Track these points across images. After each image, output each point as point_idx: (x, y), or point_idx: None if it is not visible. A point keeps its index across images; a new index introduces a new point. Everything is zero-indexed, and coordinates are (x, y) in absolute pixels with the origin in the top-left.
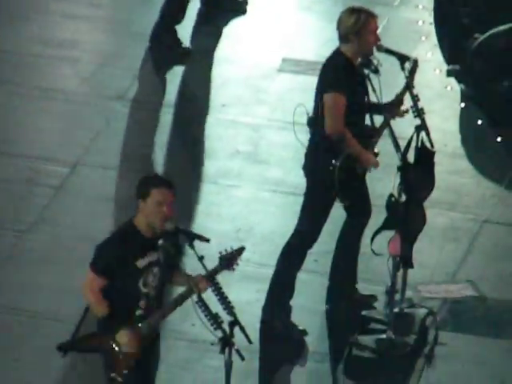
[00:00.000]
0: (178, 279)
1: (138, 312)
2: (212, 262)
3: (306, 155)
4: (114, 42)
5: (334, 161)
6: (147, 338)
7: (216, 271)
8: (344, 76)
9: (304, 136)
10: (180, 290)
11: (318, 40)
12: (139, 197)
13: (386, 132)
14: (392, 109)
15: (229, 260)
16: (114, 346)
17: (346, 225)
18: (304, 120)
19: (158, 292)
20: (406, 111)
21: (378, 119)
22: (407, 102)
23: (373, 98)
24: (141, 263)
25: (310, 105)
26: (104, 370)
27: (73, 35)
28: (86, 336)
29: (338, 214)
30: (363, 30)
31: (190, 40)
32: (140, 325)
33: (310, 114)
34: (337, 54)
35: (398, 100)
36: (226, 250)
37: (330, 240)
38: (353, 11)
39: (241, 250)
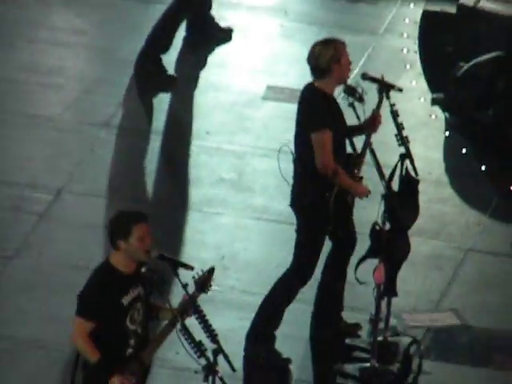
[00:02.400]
0: (163, 313)
1: (129, 351)
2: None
3: (294, 192)
4: (99, 68)
5: (327, 194)
6: (139, 375)
7: (196, 296)
8: (326, 112)
9: (287, 165)
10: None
11: (303, 68)
12: (119, 238)
13: (370, 160)
14: (370, 124)
15: (203, 283)
16: None
17: (332, 254)
18: (287, 151)
19: (143, 328)
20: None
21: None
22: (389, 128)
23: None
24: (126, 300)
25: (293, 132)
26: None
27: (58, 62)
28: None
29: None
30: (342, 58)
31: (176, 67)
32: (131, 364)
33: (294, 154)
34: (312, 91)
35: (374, 115)
36: (197, 274)
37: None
38: (327, 41)
39: (211, 270)
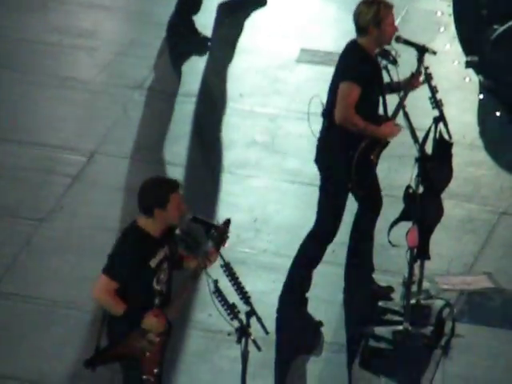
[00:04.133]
0: (189, 263)
1: None
2: (229, 253)
3: (319, 148)
4: (131, 31)
5: (350, 152)
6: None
7: (218, 247)
8: (361, 67)
9: (319, 127)
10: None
11: (337, 31)
12: (156, 206)
13: (404, 123)
14: (410, 83)
15: (220, 236)
16: (138, 345)
17: (359, 215)
18: (319, 110)
19: (168, 287)
20: (423, 82)
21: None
22: (423, 92)
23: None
24: (153, 263)
25: (326, 95)
26: (127, 371)
27: (91, 25)
28: (110, 346)
29: (354, 204)
30: (383, 21)
31: (211, 30)
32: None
33: (325, 106)
34: (354, 46)
35: (415, 74)
36: (214, 227)
37: (346, 230)
38: (372, 3)
39: (227, 222)
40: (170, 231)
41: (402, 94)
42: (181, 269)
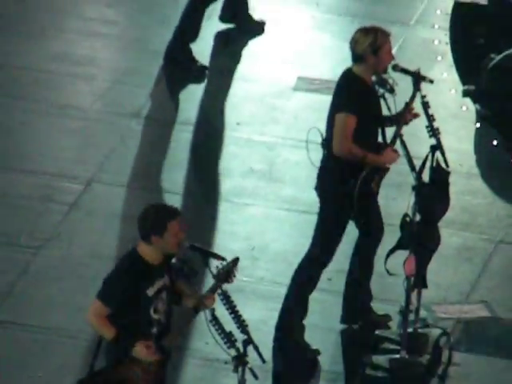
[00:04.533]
0: (188, 301)
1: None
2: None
3: (319, 176)
4: (129, 59)
5: (352, 180)
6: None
7: (217, 286)
8: (358, 98)
9: (318, 155)
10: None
11: (333, 59)
12: (153, 233)
13: (401, 151)
14: (402, 116)
15: (226, 273)
16: (130, 373)
17: (359, 243)
18: (318, 139)
19: (167, 317)
20: (417, 115)
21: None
22: (420, 120)
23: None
24: (151, 291)
25: (324, 123)
26: None
27: (89, 52)
28: (103, 369)
29: (351, 233)
30: (380, 49)
31: (208, 59)
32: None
33: (324, 136)
34: (350, 75)
35: (407, 106)
36: (221, 264)
37: (343, 259)
38: (369, 30)
39: (235, 261)
40: (169, 260)
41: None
42: (179, 305)
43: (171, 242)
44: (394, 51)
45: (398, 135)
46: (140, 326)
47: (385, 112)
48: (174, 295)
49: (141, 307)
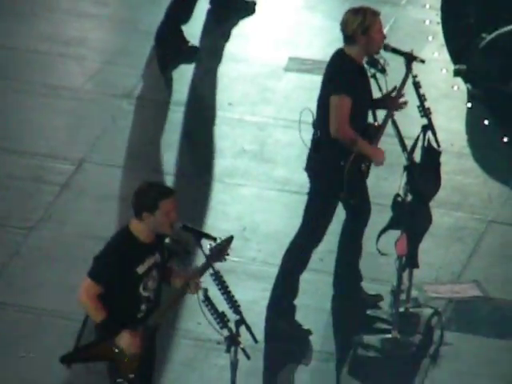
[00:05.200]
0: (175, 281)
1: (140, 315)
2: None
3: (310, 157)
4: (120, 40)
5: (342, 162)
6: (147, 339)
7: (208, 265)
8: (351, 78)
9: (310, 135)
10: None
11: (324, 39)
12: (145, 210)
13: (392, 131)
14: (393, 102)
15: (219, 251)
16: (116, 350)
17: (348, 224)
18: (309, 119)
19: (156, 294)
20: (405, 103)
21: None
22: (411, 100)
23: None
24: (141, 269)
25: (315, 103)
26: (109, 374)
27: (80, 33)
28: (88, 345)
29: (342, 213)
30: (370, 28)
31: (199, 39)
32: (140, 327)
33: (315, 116)
34: (341, 56)
35: (398, 92)
36: (215, 242)
37: (334, 239)
38: (358, 11)
39: (230, 239)
40: (161, 239)
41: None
42: (167, 283)
43: (162, 220)
44: (385, 31)
45: (388, 120)
46: (129, 304)
47: (376, 92)
48: (164, 273)
49: (131, 285)
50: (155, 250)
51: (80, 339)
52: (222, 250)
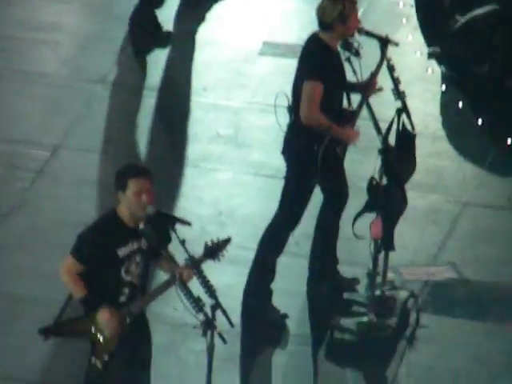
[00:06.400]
0: (163, 265)
1: (122, 299)
2: (194, 246)
3: (286, 140)
4: (94, 25)
5: (315, 145)
6: (127, 325)
7: (201, 261)
8: (323, 64)
9: (285, 119)
10: (164, 274)
11: (299, 23)
12: (118, 189)
13: (367, 115)
14: (367, 87)
15: (214, 251)
16: (93, 329)
17: (324, 207)
18: (285, 103)
19: (141, 280)
20: (380, 89)
21: (355, 98)
22: (386, 83)
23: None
24: (122, 252)
25: (290, 87)
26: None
27: (53, 18)
28: (68, 320)
29: (318, 198)
30: (348, 18)
31: (173, 24)
32: (121, 310)
33: (290, 101)
34: (315, 41)
35: (373, 78)
36: (211, 241)
37: (310, 223)
38: (336, 0)
39: (227, 241)
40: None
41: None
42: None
43: (132, 200)
44: (359, 15)
45: (363, 105)
46: (110, 285)
47: (351, 76)
48: (150, 259)
49: (111, 266)
50: (140, 235)
51: (62, 315)
52: (217, 249)
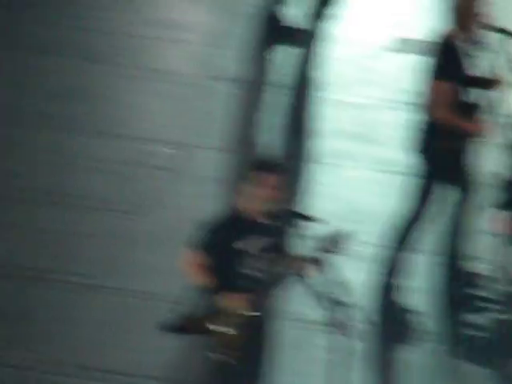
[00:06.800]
0: (288, 261)
1: (244, 293)
2: (319, 242)
3: (423, 139)
4: (222, 22)
5: (448, 143)
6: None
7: (324, 256)
8: (454, 63)
9: (414, 117)
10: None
11: (430, 19)
12: (244, 182)
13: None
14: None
15: (335, 244)
16: (219, 324)
17: (457, 204)
18: (413, 100)
19: (268, 275)
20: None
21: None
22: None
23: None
24: (239, 244)
25: (417, 85)
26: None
27: (181, 16)
28: (194, 317)
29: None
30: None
31: (301, 21)
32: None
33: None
34: (447, 40)
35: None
36: (332, 234)
37: (438, 220)
38: None
39: (348, 235)
40: (276, 221)
41: None
42: (282, 266)
43: (253, 193)
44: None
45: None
46: (232, 279)
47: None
48: (277, 256)
49: (233, 260)
50: (266, 230)
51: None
52: (334, 242)
